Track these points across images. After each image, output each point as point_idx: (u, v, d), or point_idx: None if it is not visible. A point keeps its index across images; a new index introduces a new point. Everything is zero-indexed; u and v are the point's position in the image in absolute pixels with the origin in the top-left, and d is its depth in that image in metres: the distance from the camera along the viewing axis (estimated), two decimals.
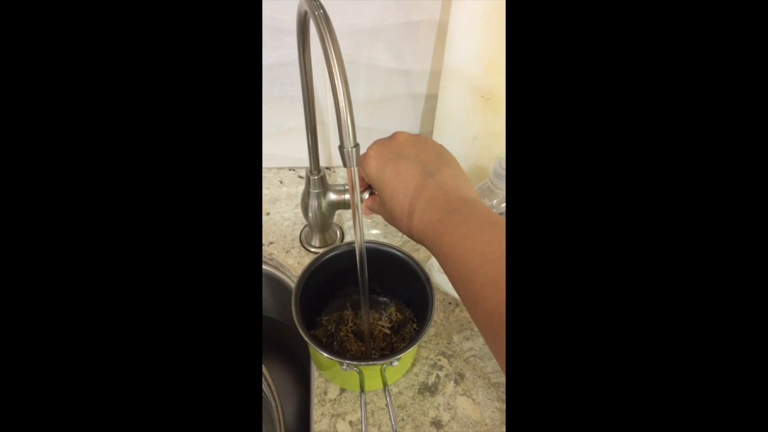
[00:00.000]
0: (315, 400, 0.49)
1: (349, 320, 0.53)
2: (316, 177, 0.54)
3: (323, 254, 0.50)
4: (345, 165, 0.33)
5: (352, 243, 0.52)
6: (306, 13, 0.39)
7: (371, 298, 0.55)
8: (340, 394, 0.49)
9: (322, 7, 0.33)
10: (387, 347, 0.50)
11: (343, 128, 0.32)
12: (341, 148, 0.33)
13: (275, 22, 0.55)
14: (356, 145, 0.33)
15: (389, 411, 0.42)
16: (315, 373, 0.51)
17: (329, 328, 0.50)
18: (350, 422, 0.47)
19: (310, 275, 0.49)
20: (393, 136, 0.39)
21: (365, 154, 0.38)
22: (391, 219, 0.38)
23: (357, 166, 0.34)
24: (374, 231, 0.66)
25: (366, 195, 0.42)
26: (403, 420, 0.48)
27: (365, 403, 0.40)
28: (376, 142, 0.39)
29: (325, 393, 0.50)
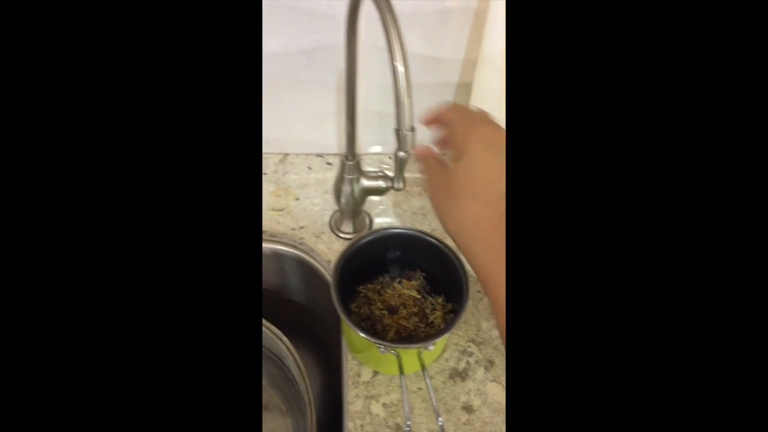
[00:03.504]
0: (348, 381, 0.50)
1: (376, 299, 0.53)
2: (352, 163, 0.54)
3: (361, 237, 0.51)
4: (400, 148, 0.34)
5: (388, 228, 0.52)
6: None
7: (404, 273, 0.56)
8: (373, 377, 0.50)
9: None
10: (419, 313, 0.50)
11: (402, 111, 0.32)
12: (398, 131, 0.33)
13: (311, 5, 0.55)
14: (413, 129, 0.33)
15: (429, 393, 0.42)
16: (348, 356, 0.52)
17: (363, 309, 0.51)
18: (384, 404, 0.48)
19: (347, 259, 0.49)
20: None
21: (480, 112, 0.32)
22: (441, 194, 0.32)
23: (411, 150, 0.34)
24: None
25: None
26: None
27: (405, 385, 0.40)
28: (492, 122, 0.32)
29: (359, 375, 0.50)
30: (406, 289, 0.52)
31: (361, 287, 0.54)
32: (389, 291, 0.53)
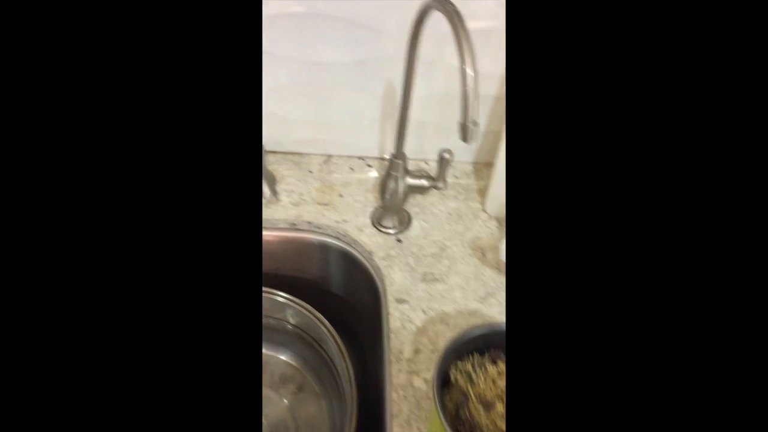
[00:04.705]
0: (392, 358, 0.54)
1: (471, 392, 0.45)
2: (400, 161, 0.60)
3: (468, 331, 0.47)
4: (463, 139, 0.39)
5: (495, 324, 0.49)
6: (424, 12, 0.45)
7: (491, 351, 0.49)
8: (414, 355, 0.55)
9: (451, 3, 0.39)
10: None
11: (468, 106, 0.38)
12: (463, 123, 0.39)
13: (368, 19, 0.62)
14: (476, 123, 0.38)
15: None
16: (389, 335, 0.56)
17: (462, 411, 0.44)
18: (424, 379, 0.52)
19: (451, 350, 0.45)
20: None
21: None
22: None
23: (470, 142, 0.39)
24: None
25: None
26: None
27: None
28: None
29: (401, 352, 0.55)
30: (501, 379, 0.45)
31: (452, 369, 0.47)
32: (481, 375, 0.46)
